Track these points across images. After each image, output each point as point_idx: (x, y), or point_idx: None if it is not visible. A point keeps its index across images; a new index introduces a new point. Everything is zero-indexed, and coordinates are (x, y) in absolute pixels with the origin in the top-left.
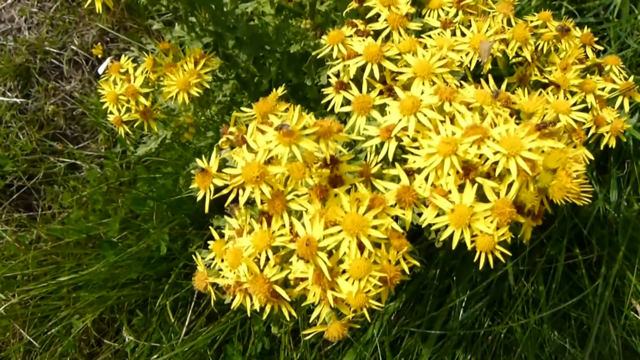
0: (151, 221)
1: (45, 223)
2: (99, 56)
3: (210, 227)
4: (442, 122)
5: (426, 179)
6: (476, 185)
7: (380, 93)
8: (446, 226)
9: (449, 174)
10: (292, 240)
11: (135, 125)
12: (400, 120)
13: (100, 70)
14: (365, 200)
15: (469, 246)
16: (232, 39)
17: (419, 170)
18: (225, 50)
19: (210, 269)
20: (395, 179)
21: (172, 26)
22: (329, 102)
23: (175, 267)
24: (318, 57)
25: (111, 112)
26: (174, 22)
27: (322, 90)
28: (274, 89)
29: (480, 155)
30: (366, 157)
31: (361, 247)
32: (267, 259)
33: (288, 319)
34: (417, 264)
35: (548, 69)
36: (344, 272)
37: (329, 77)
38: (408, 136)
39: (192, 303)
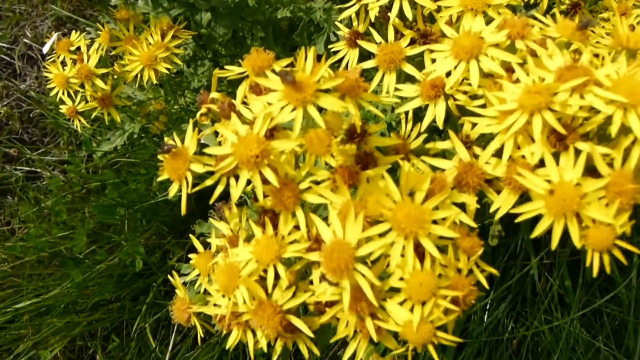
0: (123, 232)
1: (3, 241)
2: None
3: (191, 235)
4: (520, 65)
5: (500, 150)
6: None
7: (412, 43)
8: (540, 216)
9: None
10: (312, 249)
11: (93, 116)
12: (456, 67)
13: (45, 48)
14: (423, 183)
15: (578, 244)
16: (206, 10)
17: (481, 140)
18: (199, 28)
19: (194, 291)
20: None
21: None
22: (339, 63)
23: (153, 283)
24: None
25: (62, 102)
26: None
27: (330, 46)
28: None
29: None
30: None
31: (418, 253)
32: (277, 277)
33: (307, 357)
34: (494, 271)
35: (603, 15)
36: (392, 291)
37: (335, 31)
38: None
39: (176, 324)
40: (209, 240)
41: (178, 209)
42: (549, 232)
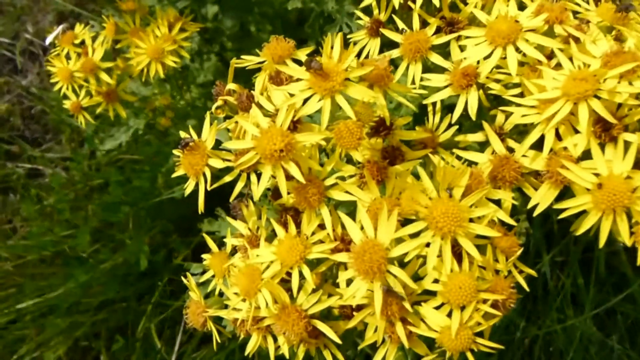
0: (127, 230)
1: (5, 239)
2: None
3: (203, 235)
4: (560, 50)
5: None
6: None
7: (437, 31)
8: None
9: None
10: (338, 249)
11: (98, 111)
12: (491, 53)
13: (48, 40)
14: (461, 179)
15: (628, 241)
16: (213, 2)
17: (514, 132)
18: (205, 21)
19: (207, 293)
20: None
21: None
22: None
23: (158, 282)
24: None
25: (66, 97)
26: None
27: (350, 36)
28: None
29: None
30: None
31: (454, 253)
32: (302, 278)
33: None
34: (533, 272)
35: None
36: (426, 294)
37: (348, 22)
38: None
39: (182, 323)
40: (225, 240)
41: (184, 207)
42: (564, 227)
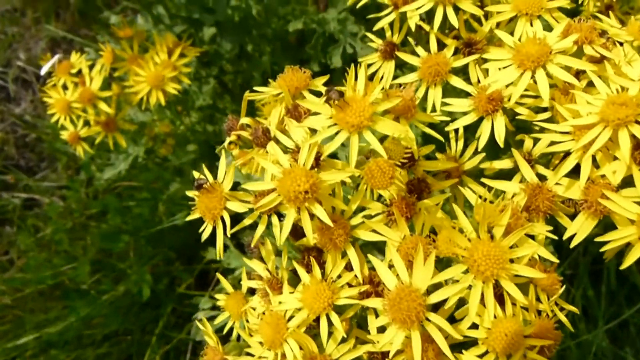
0: (128, 259)
1: (2, 272)
2: None
3: (219, 275)
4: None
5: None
6: None
7: (455, 52)
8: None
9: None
10: (367, 293)
11: (97, 142)
12: (520, 76)
13: (44, 70)
14: (502, 218)
15: None
16: (210, 24)
17: (542, 157)
18: (203, 44)
19: (224, 337)
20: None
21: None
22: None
23: (162, 313)
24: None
25: (64, 127)
26: (135, 16)
27: (361, 59)
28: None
29: None
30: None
31: (496, 295)
32: (330, 325)
33: None
34: (575, 310)
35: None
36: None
37: (351, 42)
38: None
39: (188, 353)
40: (242, 282)
41: (186, 234)
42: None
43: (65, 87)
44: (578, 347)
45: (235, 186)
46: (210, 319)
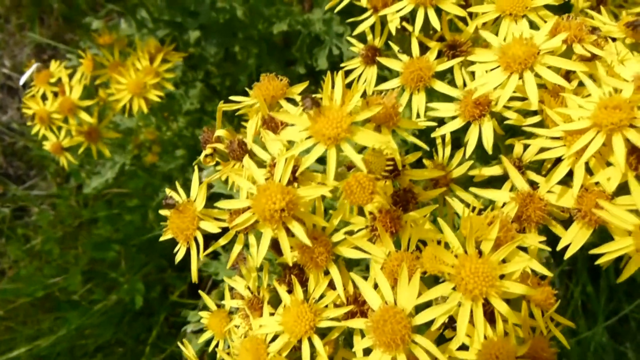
0: (120, 267)
1: None
2: None
3: (201, 292)
4: (587, 75)
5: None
6: None
7: (438, 55)
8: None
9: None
10: (352, 313)
11: (80, 152)
12: (508, 79)
13: (22, 80)
14: (490, 231)
15: None
16: (194, 28)
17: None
18: (188, 47)
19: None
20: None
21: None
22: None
23: (155, 321)
24: (337, 8)
25: (46, 138)
26: (119, 21)
27: (343, 65)
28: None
29: None
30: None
31: (485, 312)
32: (313, 348)
33: None
34: (571, 324)
35: (631, 10)
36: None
37: (337, 44)
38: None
39: None
40: (224, 302)
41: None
42: None
43: (44, 97)
44: (578, 344)
45: (218, 197)
46: (199, 331)
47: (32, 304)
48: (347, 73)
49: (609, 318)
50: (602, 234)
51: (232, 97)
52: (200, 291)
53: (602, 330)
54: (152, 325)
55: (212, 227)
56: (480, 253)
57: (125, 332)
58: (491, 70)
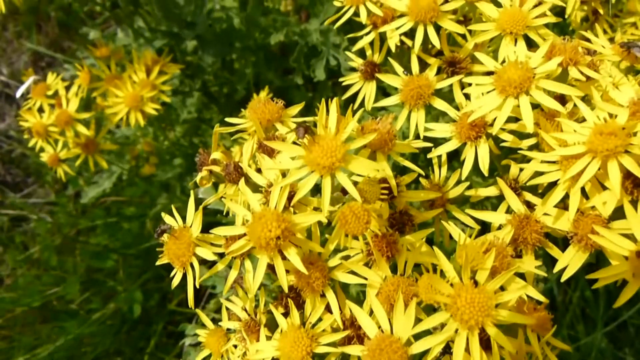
0: (118, 275)
1: None
2: None
3: (198, 311)
4: (581, 99)
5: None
6: None
7: (439, 71)
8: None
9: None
10: (350, 338)
11: (77, 164)
12: (503, 102)
13: (19, 93)
14: (486, 260)
15: None
16: (191, 39)
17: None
18: (185, 55)
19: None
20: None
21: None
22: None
23: (154, 330)
24: (336, 24)
25: (43, 149)
26: (115, 30)
27: (342, 80)
28: (255, 95)
29: None
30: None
31: (480, 340)
32: None
33: None
34: (567, 348)
35: (627, 20)
36: None
37: (334, 54)
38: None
39: None
40: (220, 323)
41: None
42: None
43: (41, 110)
44: (577, 350)
45: (215, 213)
46: (197, 344)
47: (30, 313)
48: (346, 88)
49: (608, 324)
50: (600, 256)
51: (227, 119)
52: (197, 310)
53: (601, 336)
54: (150, 335)
55: (208, 254)
56: (475, 283)
57: (123, 341)
58: (487, 92)
